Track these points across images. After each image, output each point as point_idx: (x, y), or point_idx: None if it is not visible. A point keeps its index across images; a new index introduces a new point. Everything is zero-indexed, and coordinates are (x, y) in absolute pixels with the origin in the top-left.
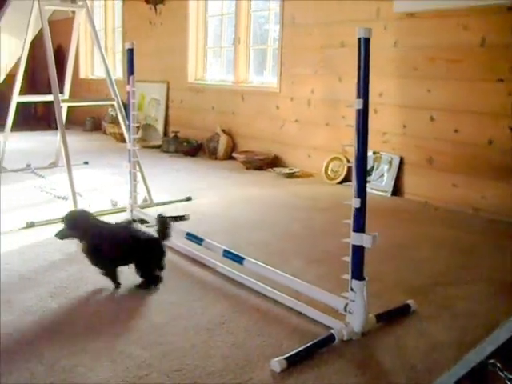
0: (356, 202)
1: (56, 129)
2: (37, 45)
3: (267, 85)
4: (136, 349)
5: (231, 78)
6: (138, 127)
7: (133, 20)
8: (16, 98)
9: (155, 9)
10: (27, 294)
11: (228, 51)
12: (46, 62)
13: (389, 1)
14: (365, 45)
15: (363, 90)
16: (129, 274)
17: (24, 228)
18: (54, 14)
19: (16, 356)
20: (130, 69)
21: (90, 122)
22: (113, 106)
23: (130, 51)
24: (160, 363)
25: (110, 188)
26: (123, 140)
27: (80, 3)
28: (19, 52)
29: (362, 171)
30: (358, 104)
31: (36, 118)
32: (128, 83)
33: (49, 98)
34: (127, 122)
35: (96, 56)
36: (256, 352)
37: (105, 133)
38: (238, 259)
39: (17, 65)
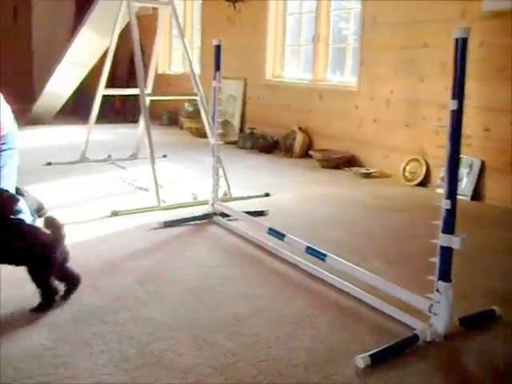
0: (446, 204)
1: (132, 122)
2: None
3: (346, 84)
4: (221, 338)
5: (309, 76)
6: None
7: (212, 17)
8: (101, 91)
9: (234, 6)
10: (114, 280)
11: (306, 49)
12: (125, 57)
13: (476, 0)
14: (462, 45)
15: (458, 91)
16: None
17: (108, 216)
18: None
19: (107, 337)
20: (217, 65)
21: (167, 116)
22: (190, 100)
23: (218, 47)
24: (245, 353)
25: (188, 181)
26: (199, 135)
27: (166, 0)
28: (101, 50)
29: (453, 173)
30: (453, 105)
31: (114, 112)
32: (214, 79)
33: (132, 91)
34: (210, 117)
35: (174, 52)
36: (339, 347)
37: (181, 127)
38: (321, 256)
39: (99, 61)
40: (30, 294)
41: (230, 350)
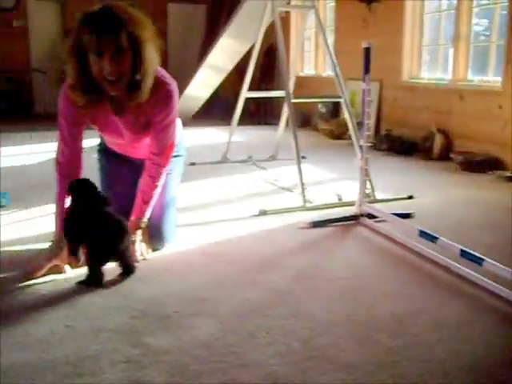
0: None
1: (265, 124)
2: None
3: (489, 83)
4: (381, 337)
5: (448, 77)
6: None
7: (345, 18)
8: (245, 93)
9: (369, 7)
10: (271, 276)
11: (445, 49)
12: (259, 59)
13: None
14: None
15: None
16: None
17: (256, 215)
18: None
19: (272, 330)
20: (366, 67)
21: (300, 118)
22: (324, 102)
23: (367, 50)
24: (407, 352)
25: (329, 182)
26: (334, 136)
27: (309, 4)
28: (240, 55)
29: None
30: None
31: (248, 114)
32: (363, 81)
33: (275, 94)
34: (356, 119)
35: (306, 54)
36: (502, 353)
37: (315, 129)
38: (478, 260)
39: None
40: (191, 285)
41: (392, 348)
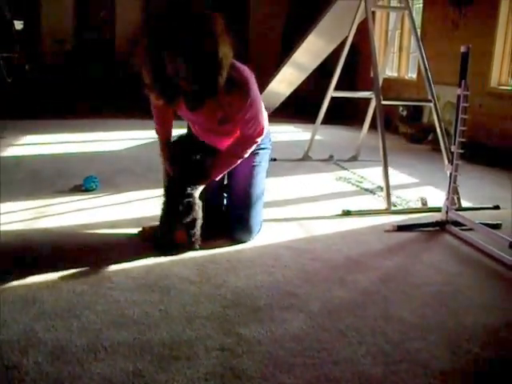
0: None
1: (340, 124)
2: None
3: None
4: (474, 347)
5: None
6: (430, 130)
7: (433, 21)
8: (331, 93)
9: (459, 10)
10: (359, 276)
11: None
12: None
13: None
14: None
15: None
16: None
17: (340, 215)
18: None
19: (362, 330)
20: (463, 73)
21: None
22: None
23: (465, 54)
24: (501, 365)
25: (410, 187)
26: (413, 140)
27: (404, 5)
28: (324, 54)
29: None
30: None
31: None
32: (459, 86)
33: (363, 94)
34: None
35: (389, 56)
36: None
37: (394, 132)
38: None
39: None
40: (280, 279)
41: (485, 359)
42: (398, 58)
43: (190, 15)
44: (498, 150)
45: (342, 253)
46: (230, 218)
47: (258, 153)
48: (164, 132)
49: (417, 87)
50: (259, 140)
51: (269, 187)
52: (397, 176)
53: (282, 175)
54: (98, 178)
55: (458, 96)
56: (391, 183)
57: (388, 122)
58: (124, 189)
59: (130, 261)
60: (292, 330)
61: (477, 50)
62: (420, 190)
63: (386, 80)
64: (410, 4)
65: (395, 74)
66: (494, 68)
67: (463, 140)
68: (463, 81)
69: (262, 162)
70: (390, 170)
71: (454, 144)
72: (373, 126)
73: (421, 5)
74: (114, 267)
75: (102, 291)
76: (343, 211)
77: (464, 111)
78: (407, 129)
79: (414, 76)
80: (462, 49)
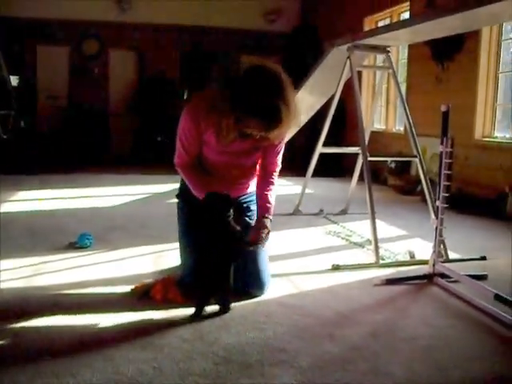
0: None
1: (331, 176)
2: None
3: None
4: None
5: None
6: (418, 182)
7: (418, 75)
8: (319, 149)
9: (442, 65)
10: (349, 331)
11: None
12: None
13: None
14: None
15: None
16: None
17: (330, 270)
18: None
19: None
20: (444, 130)
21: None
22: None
23: (446, 114)
24: None
25: (399, 239)
26: (403, 192)
27: (387, 64)
28: (314, 109)
29: None
30: None
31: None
32: (441, 143)
33: (350, 150)
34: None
35: (377, 109)
36: None
37: (383, 183)
38: None
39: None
40: (271, 335)
41: None
42: (385, 111)
43: (267, 81)
44: (485, 200)
45: (332, 308)
46: (244, 273)
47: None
48: (190, 164)
49: (404, 139)
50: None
51: (284, 240)
52: (386, 228)
53: (273, 230)
54: (92, 235)
55: (441, 153)
56: (380, 236)
57: (377, 175)
58: (117, 246)
59: (123, 318)
60: None
61: (460, 103)
62: (409, 242)
63: (373, 133)
64: (394, 63)
65: (383, 127)
66: (477, 120)
67: (447, 195)
68: (445, 138)
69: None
70: (379, 223)
71: (439, 199)
72: (362, 179)
73: (406, 60)
74: (108, 324)
75: (98, 349)
76: (333, 266)
77: (447, 167)
78: (396, 181)
79: (402, 129)
80: (443, 108)
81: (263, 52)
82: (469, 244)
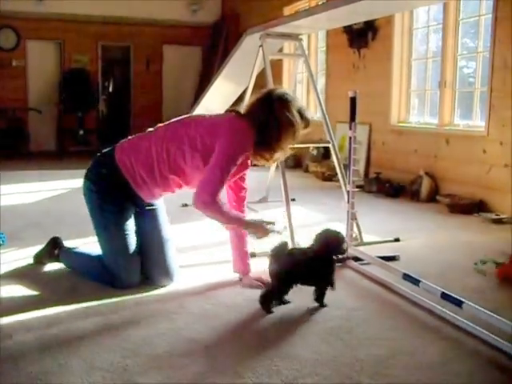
0: None
1: (256, 165)
2: None
3: (474, 128)
4: (364, 378)
5: (435, 121)
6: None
7: (336, 64)
8: None
9: (359, 52)
10: (260, 317)
11: (432, 94)
12: None
13: None
14: None
15: None
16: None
17: None
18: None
19: (258, 371)
20: (352, 116)
21: (292, 159)
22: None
23: (353, 99)
24: None
25: (318, 225)
26: (324, 178)
27: (300, 52)
28: (234, 97)
29: None
30: None
31: None
32: (350, 128)
33: None
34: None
35: (302, 98)
36: None
37: (306, 170)
38: (457, 302)
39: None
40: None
41: None
42: (306, 100)
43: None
44: (402, 183)
45: (245, 295)
46: (151, 263)
47: None
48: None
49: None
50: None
51: (179, 233)
52: (306, 214)
53: (193, 220)
54: (5, 234)
55: (349, 138)
56: (300, 222)
57: (300, 162)
58: (30, 243)
59: (29, 315)
60: (189, 375)
61: (377, 90)
62: (328, 226)
63: None
64: (306, 52)
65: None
66: (392, 106)
67: (356, 179)
68: (353, 123)
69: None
70: (300, 209)
71: (349, 183)
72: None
73: (324, 48)
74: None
75: (2, 345)
76: (249, 254)
77: (355, 152)
78: (317, 167)
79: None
80: (350, 94)
81: (186, 43)
82: (385, 227)
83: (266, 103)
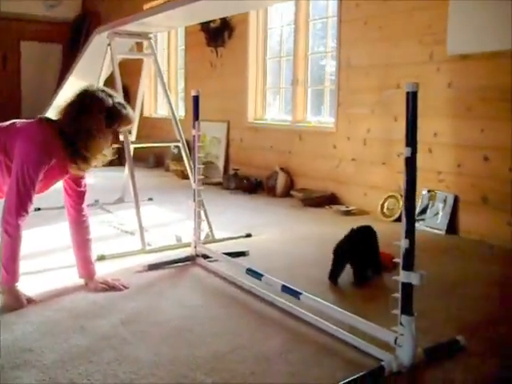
0: (405, 243)
1: (120, 165)
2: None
3: (324, 124)
4: (200, 374)
5: (289, 118)
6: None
7: (195, 62)
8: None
9: (216, 51)
10: (101, 321)
11: (286, 91)
12: None
13: (442, 44)
14: (413, 99)
15: (412, 139)
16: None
17: (95, 260)
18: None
19: (93, 376)
20: (196, 114)
21: (153, 158)
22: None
23: (196, 98)
24: None
25: (173, 224)
26: (185, 177)
27: (148, 51)
28: None
29: (410, 214)
30: (407, 152)
31: None
32: (193, 127)
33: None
34: (192, 162)
35: (159, 95)
36: (311, 382)
37: (167, 170)
38: (296, 294)
39: None
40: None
41: None
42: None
43: None
44: (260, 179)
45: (88, 299)
46: None
47: None
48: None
49: (185, 125)
50: None
51: (30, 239)
52: (162, 214)
53: (44, 225)
54: None
55: (193, 136)
56: (155, 222)
57: (162, 161)
58: None
59: None
60: None
61: (234, 87)
62: (183, 225)
63: (157, 120)
64: (165, 50)
65: (166, 113)
66: (249, 104)
67: (202, 177)
68: (196, 122)
69: None
70: (155, 209)
71: (195, 182)
72: (144, 166)
73: (183, 47)
74: None
75: None
76: (98, 256)
77: (199, 150)
78: (177, 166)
79: (183, 114)
80: (193, 92)
81: (46, 40)
82: (239, 223)
83: (74, 107)
